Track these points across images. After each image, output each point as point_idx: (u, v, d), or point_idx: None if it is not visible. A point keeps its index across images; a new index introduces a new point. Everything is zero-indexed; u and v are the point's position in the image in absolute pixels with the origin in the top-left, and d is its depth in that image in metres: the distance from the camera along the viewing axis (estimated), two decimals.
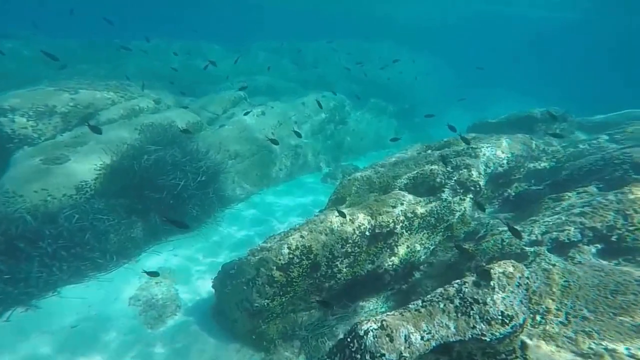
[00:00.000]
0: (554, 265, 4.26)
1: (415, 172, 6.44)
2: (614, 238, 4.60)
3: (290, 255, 5.09)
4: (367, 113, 16.32)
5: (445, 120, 22.48)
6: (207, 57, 18.20)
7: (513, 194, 6.81)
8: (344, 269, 5.60)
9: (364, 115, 16.19)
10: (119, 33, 19.40)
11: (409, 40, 29.98)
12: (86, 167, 7.56)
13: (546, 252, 4.68)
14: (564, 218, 5.16)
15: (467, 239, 6.05)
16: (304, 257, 5.16)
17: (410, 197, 6.00)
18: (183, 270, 7.08)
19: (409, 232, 5.96)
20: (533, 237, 5.12)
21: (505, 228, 5.38)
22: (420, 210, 5.86)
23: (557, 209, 5.52)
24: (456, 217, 6.10)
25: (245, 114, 10.75)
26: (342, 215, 5.33)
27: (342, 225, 5.41)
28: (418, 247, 6.09)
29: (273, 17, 46.95)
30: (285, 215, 9.58)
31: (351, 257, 5.58)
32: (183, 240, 7.93)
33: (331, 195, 7.29)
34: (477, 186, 6.02)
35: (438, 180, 6.10)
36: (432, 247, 6.19)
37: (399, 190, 6.30)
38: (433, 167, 6.29)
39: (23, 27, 17.78)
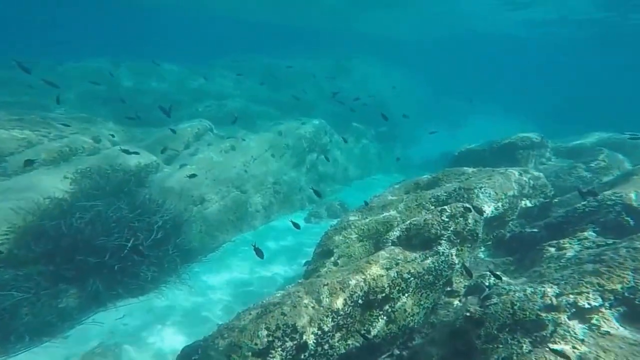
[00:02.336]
0: (582, 341, 4.12)
1: (408, 223, 6.29)
2: (637, 301, 4.56)
3: (270, 338, 4.70)
4: (349, 139, 16.39)
5: (426, 139, 23.03)
6: (164, 78, 17.90)
7: (508, 235, 6.91)
8: (336, 344, 5.28)
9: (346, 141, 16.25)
10: (56, 53, 18.80)
11: (385, 56, 31.18)
12: None
13: (567, 320, 4.56)
14: (577, 277, 5.11)
15: (468, 293, 5.94)
16: (288, 338, 4.79)
17: (405, 254, 5.85)
18: (134, 344, 6.38)
19: (406, 294, 5.77)
20: (547, 301, 5.00)
21: (515, 288, 5.29)
22: (417, 268, 5.71)
23: (562, 261, 5.53)
24: (455, 270, 6.02)
25: (210, 147, 10.41)
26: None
27: (331, 296, 5.12)
28: (417, 310, 5.91)
29: (238, 32, 47.40)
30: (264, 266, 9.17)
31: (343, 329, 5.28)
32: (137, 305, 7.27)
33: (316, 248, 7.09)
34: (475, 235, 6.00)
35: (433, 231, 5.97)
36: (431, 306, 6.06)
37: (392, 244, 6.15)
38: (427, 216, 6.18)
39: None
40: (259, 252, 6.26)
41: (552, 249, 5.83)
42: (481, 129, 27.20)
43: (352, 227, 7.00)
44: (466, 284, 6.04)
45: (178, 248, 8.35)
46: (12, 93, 13.92)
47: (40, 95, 14.39)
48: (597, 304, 4.66)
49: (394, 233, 6.24)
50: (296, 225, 7.19)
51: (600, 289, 4.76)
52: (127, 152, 8.29)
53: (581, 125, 22.02)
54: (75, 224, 6.96)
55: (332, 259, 6.77)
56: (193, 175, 8.02)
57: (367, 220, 7.05)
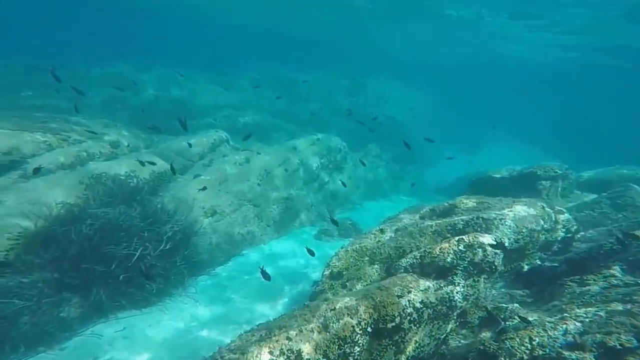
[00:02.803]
0: None
1: (423, 250, 6.13)
2: None
3: None
4: (364, 158, 16.29)
5: (442, 164, 22.75)
6: (185, 86, 18.26)
7: (526, 267, 6.69)
8: None
9: (361, 160, 16.13)
10: (85, 58, 19.46)
11: (404, 76, 31.27)
12: None
13: None
14: (603, 315, 4.84)
15: (482, 325, 5.71)
16: None
17: (418, 282, 5.67)
18: None
19: (417, 325, 5.55)
20: (570, 338, 4.76)
21: (530, 322, 5.04)
22: (430, 298, 5.52)
23: (585, 297, 5.31)
24: (470, 301, 5.83)
25: (224, 158, 10.44)
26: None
27: (339, 322, 4.94)
28: (427, 340, 5.69)
29: (261, 44, 48.36)
30: (271, 282, 9.00)
31: (350, 358, 5.08)
32: (139, 318, 7.14)
33: (325, 268, 6.98)
34: (493, 267, 5.82)
35: (449, 260, 5.79)
36: (442, 337, 5.82)
37: (405, 271, 5.98)
38: (443, 245, 5.99)
39: None
40: (265, 275, 6.28)
41: (575, 285, 5.61)
42: (499, 155, 26.81)
43: (364, 249, 6.89)
44: (480, 315, 5.83)
45: (186, 260, 8.28)
46: (42, 96, 14.43)
47: (68, 99, 14.87)
48: (630, 346, 4.38)
49: (407, 260, 6.08)
50: (311, 252, 7.03)
51: (634, 329, 4.50)
52: (142, 163, 8.35)
53: (605, 157, 21.46)
54: (85, 230, 6.94)
55: (341, 281, 6.65)
56: (204, 189, 8.02)
57: (380, 243, 6.91)
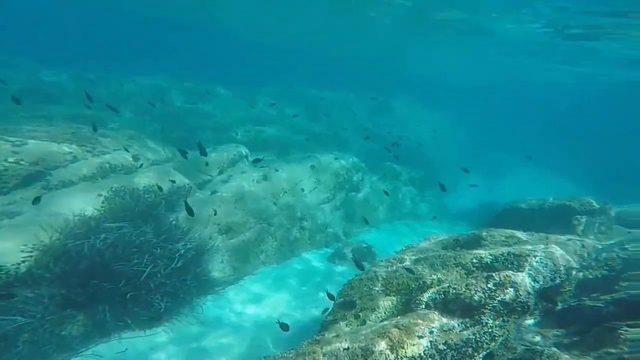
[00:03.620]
0: None
1: (447, 285, 5.66)
2: None
3: None
4: (382, 179, 15.91)
5: (463, 188, 21.96)
6: (211, 100, 18.49)
7: (560, 306, 6.14)
8: None
9: (379, 182, 15.79)
10: (122, 69, 20.13)
11: (428, 98, 30.86)
12: (9, 246, 6.27)
13: None
14: None
15: None
16: None
17: (441, 321, 5.20)
18: None
19: None
20: None
21: None
22: (455, 339, 5.01)
23: None
24: (498, 342, 5.23)
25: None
26: None
27: None
28: None
29: (287, 61, 49.23)
30: (282, 305, 8.73)
31: None
32: (142, 339, 6.83)
33: (337, 297, 6.58)
34: (526, 307, 5.35)
35: (476, 298, 5.32)
36: None
37: (426, 307, 5.50)
38: (470, 281, 5.52)
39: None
40: (283, 326, 6.06)
41: (633, 330, 4.95)
42: (524, 183, 25.82)
43: (379, 278, 6.43)
44: (510, 358, 5.27)
45: (197, 278, 8.03)
46: (75, 105, 14.87)
47: (101, 108, 15.25)
48: None
49: (429, 294, 5.63)
50: (330, 297, 6.57)
51: None
52: (160, 188, 8.30)
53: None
54: (98, 245, 6.76)
55: (354, 311, 6.24)
56: (215, 213, 7.94)
57: (397, 273, 6.48)
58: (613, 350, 4.65)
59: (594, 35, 16.61)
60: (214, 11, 28.63)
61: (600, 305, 5.57)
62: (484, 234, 6.74)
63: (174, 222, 8.40)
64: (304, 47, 41.20)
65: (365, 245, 11.94)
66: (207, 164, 9.20)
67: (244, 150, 11.71)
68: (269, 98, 20.89)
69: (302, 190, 11.63)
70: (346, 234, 13.19)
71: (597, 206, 8.37)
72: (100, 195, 8.02)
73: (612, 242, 7.85)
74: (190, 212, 5.93)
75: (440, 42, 24.62)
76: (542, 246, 5.77)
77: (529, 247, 6.00)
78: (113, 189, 8.21)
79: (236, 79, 26.36)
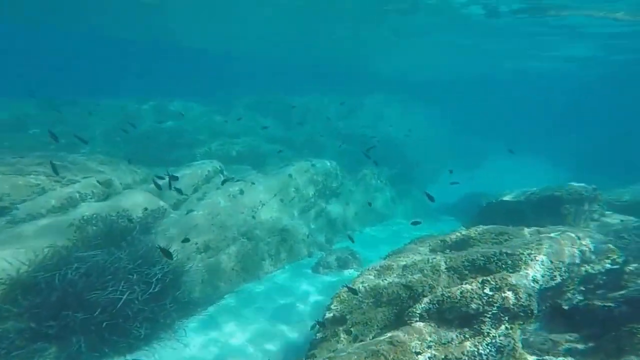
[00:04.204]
0: None
1: (440, 294, 5.29)
2: None
3: None
4: (361, 181, 15.95)
5: (443, 181, 22.24)
6: (182, 116, 18.22)
7: (566, 306, 5.80)
8: None
9: (358, 184, 15.81)
10: (84, 91, 19.69)
11: (400, 93, 31.15)
12: None
13: None
14: None
15: None
16: None
17: (438, 334, 4.87)
18: None
19: None
20: None
21: None
22: (455, 353, 4.69)
23: None
24: (505, 353, 4.96)
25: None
26: None
27: None
28: None
29: (257, 70, 48.84)
30: (268, 323, 8.58)
31: None
32: None
33: (326, 311, 6.16)
34: (529, 312, 5.01)
35: (473, 306, 4.97)
36: None
37: (420, 319, 5.17)
38: (464, 287, 5.15)
39: None
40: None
41: None
42: (502, 169, 26.19)
43: (369, 289, 6.11)
44: None
45: (176, 301, 7.73)
46: (41, 134, 14.43)
47: (69, 134, 14.87)
48: None
49: (422, 305, 5.29)
50: (320, 324, 6.12)
51: None
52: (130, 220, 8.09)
53: (623, 172, 20.59)
54: (70, 276, 6.47)
55: (345, 326, 5.93)
56: (186, 240, 7.79)
57: (387, 282, 6.12)
58: (635, 358, 4.38)
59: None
60: (168, 27, 28.27)
61: (611, 305, 5.25)
62: (472, 233, 6.51)
63: (150, 245, 8.19)
64: (271, 55, 40.99)
65: (349, 252, 11.81)
66: (181, 192, 8.99)
67: (218, 165, 11.47)
68: (242, 109, 20.71)
69: (281, 200, 11.48)
70: (329, 240, 13.07)
71: (586, 194, 8.08)
72: (71, 225, 7.73)
73: (606, 230, 7.68)
74: (168, 255, 5.74)
75: (397, 37, 24.81)
76: (536, 243, 5.56)
77: (522, 244, 5.76)
78: (85, 218, 7.91)
79: (207, 92, 26.06)
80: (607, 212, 8.92)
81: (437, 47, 26.34)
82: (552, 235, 6.04)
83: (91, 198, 8.77)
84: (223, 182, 9.81)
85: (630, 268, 5.94)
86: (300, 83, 33.75)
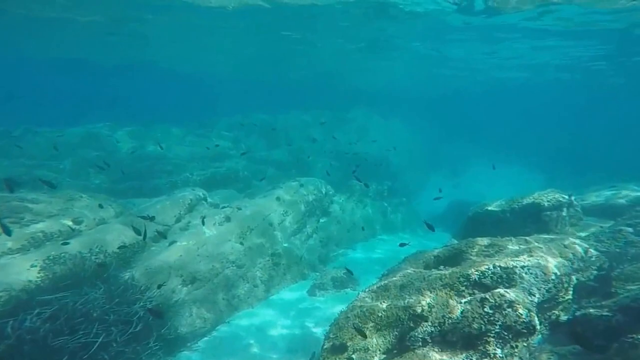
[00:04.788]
0: None
1: (441, 316, 5.16)
2: None
3: None
4: (350, 198, 15.57)
5: (429, 191, 22.24)
6: (161, 141, 17.57)
7: (564, 317, 5.72)
8: None
9: (348, 201, 15.41)
10: (50, 120, 18.78)
11: (382, 106, 31.43)
12: None
13: None
14: None
15: None
16: None
17: (443, 358, 4.70)
18: None
19: None
20: None
21: None
22: None
23: None
24: None
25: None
26: None
27: None
28: None
29: (236, 90, 48.62)
30: (265, 354, 7.91)
31: None
32: None
33: (325, 340, 5.82)
34: (532, 327, 4.89)
35: (475, 326, 4.86)
36: None
37: (423, 344, 4.99)
38: (465, 307, 5.05)
39: None
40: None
41: None
42: (484, 176, 26.55)
43: (367, 313, 5.79)
44: None
45: (162, 339, 7.14)
46: (9, 166, 13.57)
47: (35, 167, 13.99)
48: None
49: (424, 329, 5.12)
50: None
51: None
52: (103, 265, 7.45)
53: (590, 173, 21.14)
54: (29, 322, 5.82)
55: (346, 354, 5.60)
56: (161, 286, 7.20)
57: (385, 305, 5.89)
58: None
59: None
60: (146, 51, 27.79)
61: (607, 314, 5.26)
62: (463, 247, 6.38)
63: (129, 282, 7.53)
64: (249, 74, 40.92)
65: (344, 271, 11.38)
66: (165, 236, 8.35)
67: (201, 193, 10.86)
68: (223, 131, 20.26)
69: (271, 224, 10.93)
70: (322, 260, 12.58)
71: (563, 200, 8.29)
72: (33, 266, 7.03)
73: (584, 234, 7.78)
74: (158, 314, 5.15)
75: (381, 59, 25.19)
76: (527, 255, 5.42)
77: (513, 256, 5.67)
78: (51, 257, 7.23)
79: (186, 116, 25.55)
80: (584, 217, 9.16)
81: (411, 59, 26.72)
82: (540, 244, 6.01)
83: (58, 237, 8.04)
84: (203, 221, 9.24)
85: (616, 273, 6.04)
86: (282, 100, 33.65)
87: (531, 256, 5.41)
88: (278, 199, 11.58)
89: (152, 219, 7.27)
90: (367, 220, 15.50)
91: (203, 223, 9.55)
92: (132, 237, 8.65)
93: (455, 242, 10.13)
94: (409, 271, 6.62)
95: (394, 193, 19.04)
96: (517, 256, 5.46)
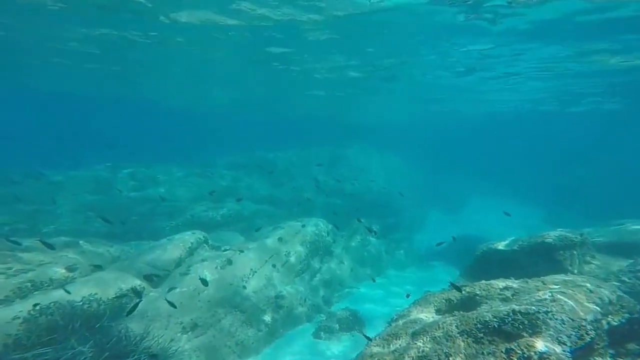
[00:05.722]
0: None
1: None
2: None
3: None
4: (354, 236, 15.24)
5: (430, 225, 21.94)
6: (162, 182, 17.48)
7: None
8: None
9: (351, 240, 15.07)
10: (50, 163, 18.67)
11: (379, 141, 31.71)
12: None
13: None
14: None
15: None
16: None
17: None
18: None
19: None
20: None
21: None
22: None
23: None
24: None
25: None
26: None
27: None
28: None
29: (235, 128, 49.23)
30: None
31: None
32: None
33: None
34: None
35: None
36: None
37: None
38: (488, 359, 4.61)
39: None
40: None
41: None
42: (483, 211, 26.31)
43: None
44: None
45: None
46: (9, 214, 13.34)
47: (33, 212, 13.78)
48: None
49: None
50: None
51: None
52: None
53: (592, 209, 20.84)
54: None
55: None
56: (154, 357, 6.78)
57: (397, 354, 5.52)
58: None
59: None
60: (142, 90, 28.20)
61: None
62: (476, 289, 6.01)
63: (122, 332, 7.07)
64: (248, 112, 41.57)
65: (349, 312, 10.86)
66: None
67: (201, 235, 10.56)
68: (224, 170, 20.23)
69: (274, 266, 10.56)
70: (327, 301, 12.06)
71: (576, 239, 8.01)
72: (16, 318, 6.55)
73: (600, 272, 7.44)
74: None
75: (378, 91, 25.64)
76: (548, 298, 5.04)
77: (535, 301, 5.25)
78: (37, 307, 6.79)
79: (187, 155, 25.63)
80: (597, 255, 8.83)
81: (409, 96, 27.28)
82: (559, 286, 5.64)
83: (48, 285, 7.66)
84: (204, 274, 8.87)
85: None
86: (281, 138, 33.93)
87: (554, 300, 5.01)
88: (280, 239, 11.27)
89: (154, 277, 6.97)
90: (371, 258, 15.10)
91: (209, 246, 9.11)
92: (130, 282, 8.29)
93: (464, 281, 9.77)
94: (420, 316, 6.22)
95: (396, 229, 18.77)
96: (538, 300, 5.08)
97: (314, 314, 11.18)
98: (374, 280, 12.49)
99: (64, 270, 8.06)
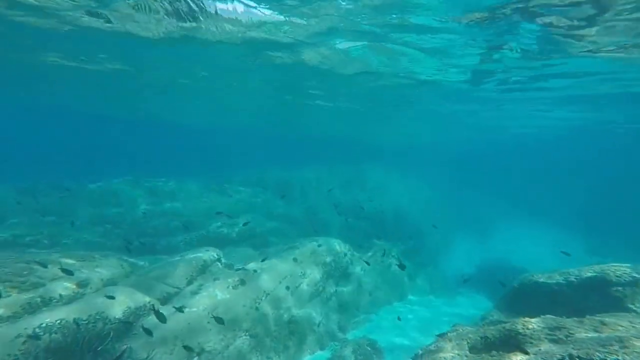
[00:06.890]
0: None
1: None
2: None
3: None
4: (372, 258, 14.68)
5: (455, 251, 20.95)
6: (178, 197, 17.54)
7: None
8: None
9: (369, 261, 14.50)
10: (72, 176, 19.18)
11: (401, 161, 31.17)
12: None
13: None
14: None
15: None
16: None
17: None
18: None
19: None
20: None
21: None
22: None
23: None
24: None
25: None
26: None
27: None
28: None
29: (252, 145, 49.69)
30: None
31: None
32: None
33: None
34: None
35: None
36: None
37: None
38: None
39: None
40: None
41: None
42: (515, 237, 25.14)
43: None
44: None
45: None
46: (17, 225, 13.57)
47: (52, 224, 14.09)
48: None
49: None
50: None
51: None
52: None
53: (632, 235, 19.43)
54: None
55: None
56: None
57: None
58: None
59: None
60: (164, 108, 28.90)
61: None
62: (519, 327, 5.35)
63: (125, 356, 6.81)
64: (266, 129, 41.85)
65: (367, 342, 10.21)
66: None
67: (215, 254, 10.27)
68: (240, 187, 20.20)
69: (287, 288, 10.13)
70: (342, 328, 11.45)
71: (637, 275, 7.23)
72: (19, 336, 6.29)
73: None
74: None
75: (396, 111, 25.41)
76: (616, 344, 4.31)
77: (598, 345, 4.51)
78: (42, 325, 6.49)
79: (202, 171, 25.82)
80: None
81: (434, 115, 26.84)
82: (626, 328, 4.86)
83: (57, 301, 7.49)
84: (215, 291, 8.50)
85: None
86: (297, 155, 33.90)
87: (625, 347, 4.24)
88: (295, 260, 10.86)
89: (162, 317, 6.73)
90: (391, 282, 14.40)
91: (222, 264, 8.82)
92: (139, 299, 8.05)
93: (499, 315, 9.04)
94: (450, 355, 5.65)
95: (419, 253, 18.01)
96: (602, 345, 4.35)
97: (328, 341, 10.59)
98: (399, 319, 11.70)
99: (74, 286, 7.92)
